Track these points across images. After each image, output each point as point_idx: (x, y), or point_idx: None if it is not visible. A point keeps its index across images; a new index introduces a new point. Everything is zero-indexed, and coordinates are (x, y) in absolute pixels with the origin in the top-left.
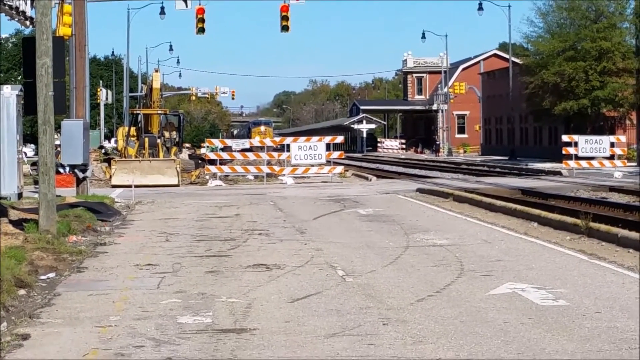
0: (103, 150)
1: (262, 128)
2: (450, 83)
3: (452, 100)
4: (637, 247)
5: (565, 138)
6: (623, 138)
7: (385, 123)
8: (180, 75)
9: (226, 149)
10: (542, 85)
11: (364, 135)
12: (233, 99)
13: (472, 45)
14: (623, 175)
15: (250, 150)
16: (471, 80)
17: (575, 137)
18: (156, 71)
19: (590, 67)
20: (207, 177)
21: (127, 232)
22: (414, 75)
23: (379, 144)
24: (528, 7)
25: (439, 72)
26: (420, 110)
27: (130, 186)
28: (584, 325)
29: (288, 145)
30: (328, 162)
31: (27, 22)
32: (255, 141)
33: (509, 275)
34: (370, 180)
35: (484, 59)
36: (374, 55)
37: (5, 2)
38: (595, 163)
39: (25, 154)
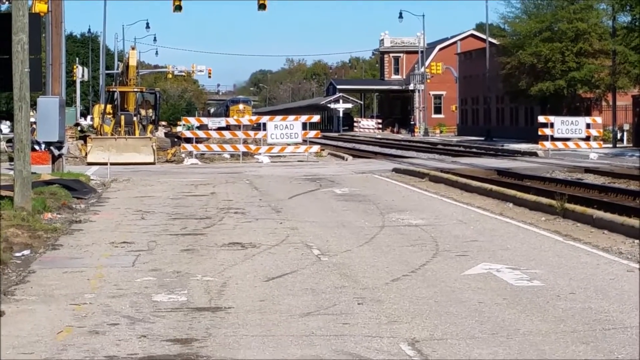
0: (79, 128)
1: (241, 106)
2: (427, 63)
3: (428, 81)
4: (623, 231)
5: (541, 119)
6: (599, 119)
7: (362, 103)
8: (156, 53)
9: (202, 127)
10: (519, 65)
11: (341, 114)
12: (210, 77)
13: (449, 25)
14: (598, 156)
15: (226, 128)
16: (448, 61)
17: (552, 118)
18: (132, 49)
19: (567, 48)
20: (183, 155)
21: (103, 209)
22: (391, 55)
23: (355, 124)
24: None
25: (416, 52)
26: (396, 90)
27: (106, 164)
28: (558, 305)
29: (264, 124)
30: (304, 142)
31: None
32: (232, 120)
33: (484, 256)
34: (347, 159)
35: (461, 39)
36: (351, 34)
37: None
38: (571, 144)
39: (1, 130)
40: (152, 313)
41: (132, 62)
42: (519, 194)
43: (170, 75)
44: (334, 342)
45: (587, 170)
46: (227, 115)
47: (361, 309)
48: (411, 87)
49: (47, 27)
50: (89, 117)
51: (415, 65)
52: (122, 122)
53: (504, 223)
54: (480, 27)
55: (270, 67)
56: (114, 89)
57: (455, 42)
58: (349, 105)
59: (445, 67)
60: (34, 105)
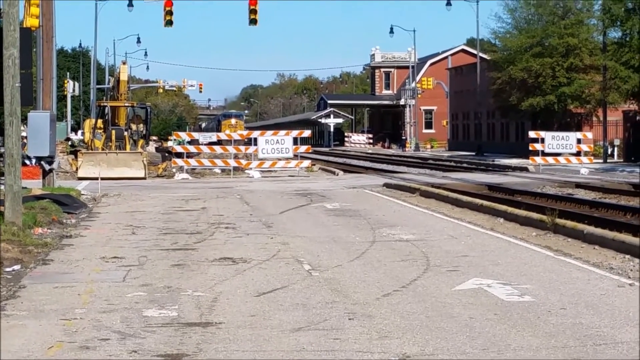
0: (70, 143)
1: (233, 121)
2: (418, 78)
3: (419, 96)
4: (614, 246)
5: (532, 134)
6: (590, 135)
7: (353, 117)
8: (147, 68)
9: (193, 142)
10: (510, 81)
11: (332, 129)
12: (201, 92)
13: (440, 40)
14: (589, 171)
15: (218, 143)
16: (439, 76)
17: (542, 134)
18: (124, 63)
19: (558, 63)
20: (174, 170)
21: (93, 224)
22: (382, 70)
23: (346, 139)
24: (496, 3)
25: (407, 67)
26: (387, 105)
27: (96, 179)
28: (549, 321)
29: (255, 139)
30: (295, 156)
31: None
32: (223, 135)
33: (475, 271)
34: (337, 174)
35: (452, 55)
36: (342, 49)
37: None
38: (561, 159)
39: None
40: (142, 328)
41: (123, 77)
42: (510, 209)
43: (161, 90)
44: (324, 357)
45: (578, 185)
46: (219, 130)
47: (352, 324)
48: (402, 102)
49: (38, 41)
50: (79, 132)
51: (406, 80)
52: (113, 137)
53: (495, 238)
54: (471, 42)
55: (261, 82)
56: (105, 104)
57: (446, 57)
58: (340, 120)
59: (436, 82)
60: (24, 119)
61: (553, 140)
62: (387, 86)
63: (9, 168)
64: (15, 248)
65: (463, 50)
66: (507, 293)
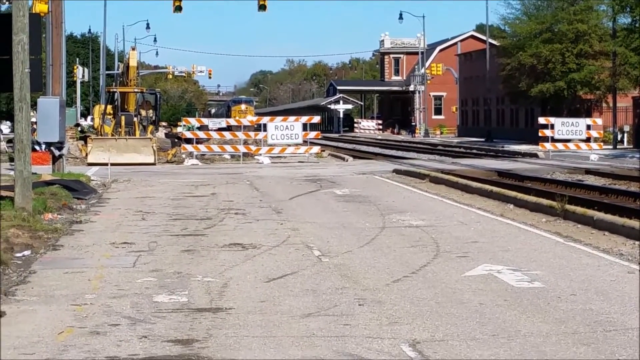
0: (79, 128)
1: (243, 106)
2: (427, 64)
3: (429, 82)
4: (624, 232)
5: (541, 120)
6: (599, 121)
7: (362, 104)
8: (157, 54)
9: (203, 127)
10: (519, 67)
11: (341, 115)
12: (210, 78)
13: (449, 26)
14: (599, 158)
15: (227, 129)
16: (448, 62)
17: (552, 120)
18: (133, 49)
19: (567, 49)
20: (184, 156)
21: (103, 210)
22: (391, 56)
23: (355, 125)
24: None
25: (416, 53)
26: (397, 91)
27: (106, 164)
28: (559, 307)
29: (265, 125)
30: (305, 142)
31: None
32: (233, 120)
33: (484, 257)
34: (347, 160)
35: (461, 41)
36: (351, 35)
37: None
38: (571, 145)
39: (1, 131)
40: (152, 314)
41: (133, 63)
42: (520, 195)
43: (170, 76)
44: (334, 343)
45: (588, 171)
46: (228, 116)
47: (362, 310)
48: (411, 88)
49: (48, 27)
50: (89, 118)
51: (416, 66)
52: (123, 123)
53: (504, 224)
54: (480, 28)
55: (270, 67)
56: (115, 90)
57: (455, 43)
58: (349, 106)
59: (445, 68)
60: (34, 105)
61: (563, 126)
62: (397, 72)
63: (19, 154)
64: (25, 233)
65: (472, 37)
66: (517, 279)
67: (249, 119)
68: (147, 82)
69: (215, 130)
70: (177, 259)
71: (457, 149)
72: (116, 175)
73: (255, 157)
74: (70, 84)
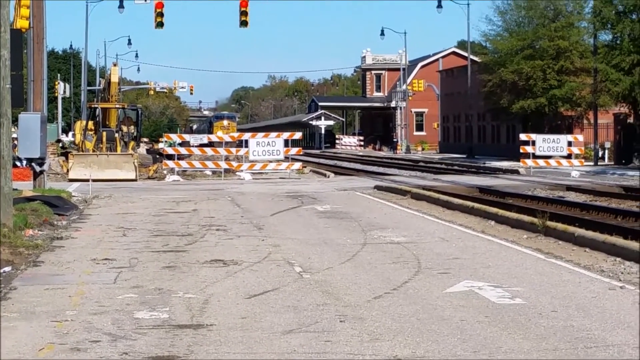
0: (60, 144)
1: (225, 122)
2: (409, 80)
3: (410, 98)
4: (604, 249)
5: (522, 137)
6: (580, 137)
7: (344, 120)
8: (138, 70)
9: (184, 143)
10: (500, 83)
11: (322, 131)
12: (192, 94)
13: (431, 43)
14: (580, 174)
15: (208, 145)
16: (430, 78)
17: (533, 136)
18: (114, 65)
19: (548, 65)
20: (165, 172)
21: (84, 226)
22: (373, 72)
23: (337, 141)
24: (487, 6)
25: (398, 69)
26: (378, 107)
27: (87, 180)
28: (540, 324)
29: (246, 141)
30: (286, 158)
31: None
32: (214, 137)
33: (466, 273)
34: (328, 176)
35: (443, 57)
36: (333, 51)
37: None
38: (552, 162)
39: None
40: (133, 330)
41: (114, 79)
42: (501, 212)
43: (152, 92)
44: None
45: (569, 188)
46: (210, 132)
47: (343, 327)
48: (393, 104)
49: (29, 43)
50: (70, 134)
51: (397, 83)
52: (104, 139)
53: (485, 241)
54: (462, 44)
55: (252, 84)
56: (96, 105)
57: (437, 60)
58: (331, 123)
59: (427, 84)
60: (15, 121)
61: (544, 142)
62: (378, 88)
63: (0, 169)
64: (6, 250)
65: (454, 53)
66: (498, 296)
67: (231, 134)
68: (129, 97)
69: (196, 146)
70: (158, 275)
71: (438, 165)
72: (97, 192)
73: (237, 173)
74: (52, 100)
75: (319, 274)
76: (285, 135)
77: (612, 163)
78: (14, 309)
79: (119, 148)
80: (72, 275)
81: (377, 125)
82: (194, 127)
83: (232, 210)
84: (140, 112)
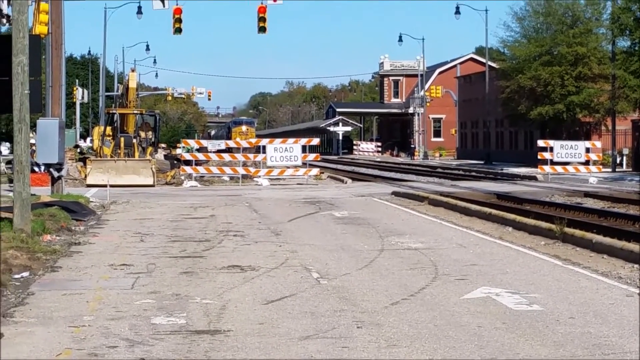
0: (78, 150)
1: (244, 128)
2: (426, 86)
3: (428, 104)
4: (622, 255)
5: (540, 143)
6: (598, 144)
7: (361, 126)
8: (156, 75)
9: (202, 149)
10: (518, 89)
11: (340, 137)
12: (209, 99)
13: (449, 49)
14: (598, 180)
15: (226, 151)
16: (447, 84)
17: (551, 142)
18: (132, 71)
19: (566, 72)
20: (183, 177)
21: (102, 232)
22: (391, 78)
23: (354, 147)
24: (505, 12)
25: (416, 76)
26: (396, 113)
27: (105, 186)
28: (557, 330)
29: (264, 147)
30: (304, 164)
31: (4, 20)
32: (232, 142)
33: (483, 280)
34: (346, 182)
35: (461, 63)
36: (351, 57)
37: None
38: (570, 168)
39: (0, 152)
40: (151, 336)
41: (132, 84)
42: (519, 218)
43: (169, 98)
44: None
45: (587, 194)
46: (229, 137)
47: (360, 333)
48: (411, 110)
49: (47, 48)
50: (88, 139)
51: (415, 89)
52: (122, 144)
53: (503, 247)
54: (480, 50)
55: (270, 89)
56: (114, 111)
57: (454, 66)
58: (349, 129)
59: (444, 90)
60: (33, 126)
61: (562, 149)
62: (396, 94)
63: (18, 175)
64: (24, 255)
65: (472, 59)
66: (515, 302)
67: (248, 140)
68: (147, 103)
69: (214, 152)
70: (175, 280)
71: (456, 172)
72: (115, 197)
73: (254, 179)
74: (70, 105)
75: (336, 280)
76: (303, 141)
77: (630, 169)
78: (31, 314)
79: (136, 154)
80: (90, 281)
81: (395, 132)
82: (212, 132)
83: (249, 216)
84: (158, 117)
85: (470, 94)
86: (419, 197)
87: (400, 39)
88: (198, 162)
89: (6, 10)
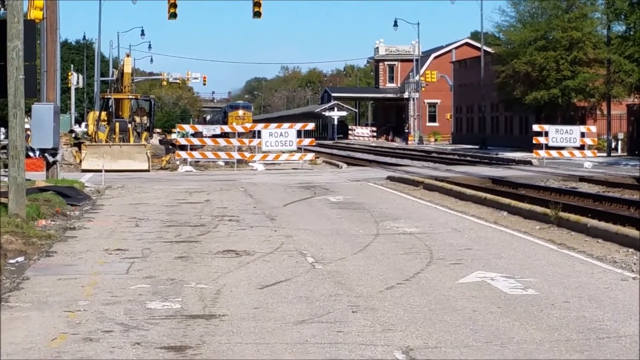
0: (73, 135)
1: (241, 112)
2: (421, 71)
3: (423, 89)
4: (617, 240)
5: (535, 127)
6: (593, 128)
7: (357, 111)
8: (151, 61)
9: (197, 134)
10: (514, 74)
11: (335, 122)
12: (204, 84)
13: (444, 34)
14: (593, 165)
15: (221, 136)
16: (443, 69)
17: (546, 127)
18: (127, 56)
19: (561, 56)
20: (178, 162)
21: (97, 216)
22: (386, 63)
23: (350, 132)
24: None
25: (411, 61)
26: (391, 98)
27: (100, 171)
28: (552, 314)
29: (259, 132)
30: (299, 149)
31: None
32: (227, 127)
33: (478, 264)
34: (341, 167)
35: (456, 48)
36: (346, 42)
37: None
38: (565, 153)
39: None
40: (146, 320)
41: (127, 69)
42: (514, 203)
43: (165, 83)
44: (328, 350)
45: (582, 179)
46: (225, 122)
47: (355, 317)
48: (406, 95)
49: (42, 33)
50: (83, 124)
51: (410, 74)
52: (117, 129)
53: (498, 231)
54: (475, 35)
55: (265, 74)
56: (109, 96)
57: (450, 51)
58: (344, 113)
59: (440, 75)
60: (28, 111)
61: (557, 133)
62: (391, 79)
63: (13, 160)
64: (18, 240)
65: (467, 44)
66: (510, 286)
67: (243, 125)
68: (142, 88)
69: (209, 136)
70: (170, 265)
71: (451, 156)
72: (110, 182)
73: (250, 164)
74: (65, 91)
75: (331, 264)
76: (298, 126)
77: (625, 154)
78: (26, 299)
79: (131, 139)
80: (85, 266)
81: (390, 116)
82: (208, 117)
83: (244, 201)
84: (153, 102)
85: (465, 79)
86: (414, 182)
87: (395, 24)
88: (193, 147)
89: None
